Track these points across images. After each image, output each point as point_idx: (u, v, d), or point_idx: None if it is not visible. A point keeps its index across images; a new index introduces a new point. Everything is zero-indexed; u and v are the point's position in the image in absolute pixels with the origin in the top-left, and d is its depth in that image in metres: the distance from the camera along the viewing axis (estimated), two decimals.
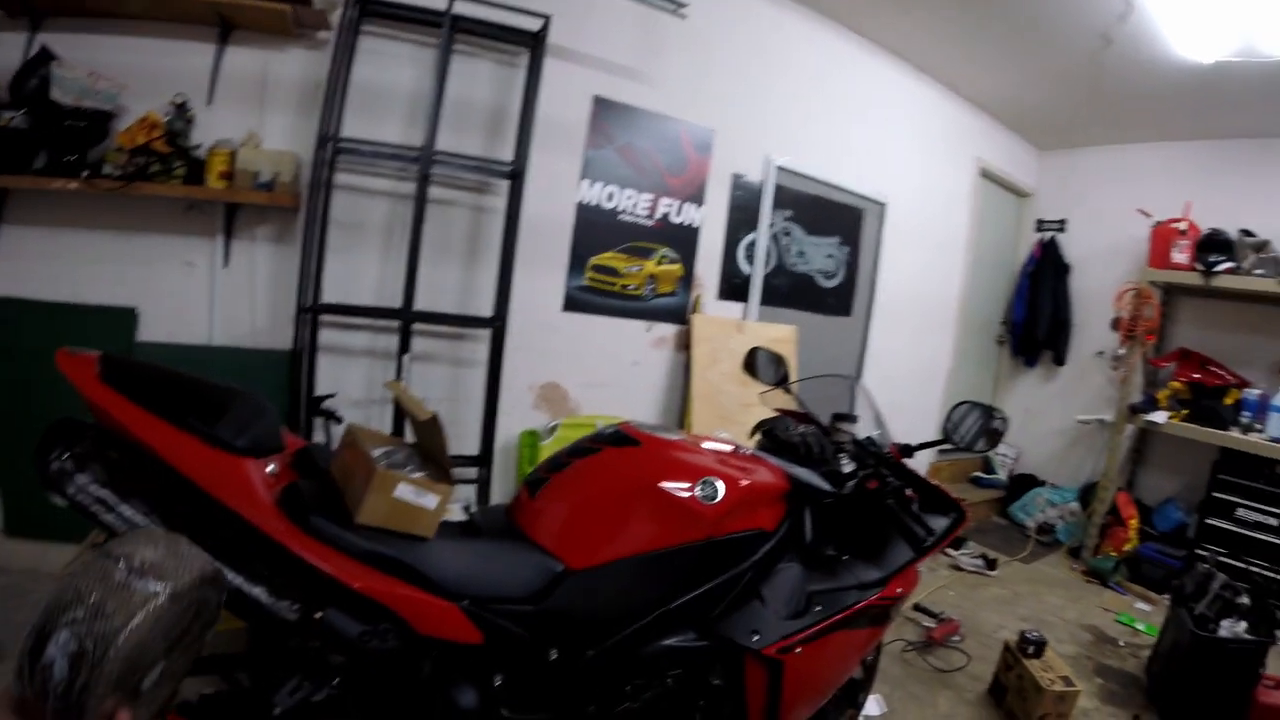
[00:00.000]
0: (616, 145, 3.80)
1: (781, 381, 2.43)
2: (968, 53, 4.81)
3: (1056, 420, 6.01)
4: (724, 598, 1.78)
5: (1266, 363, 4.90)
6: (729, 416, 3.91)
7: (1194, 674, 3.06)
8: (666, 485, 1.73)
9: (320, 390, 3.12)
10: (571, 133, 3.67)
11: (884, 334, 5.32)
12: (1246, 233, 4.68)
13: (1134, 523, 4.93)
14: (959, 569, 4.66)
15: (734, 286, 4.41)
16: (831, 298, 5.02)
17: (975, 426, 2.23)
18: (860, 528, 2.05)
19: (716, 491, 1.73)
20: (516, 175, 3.28)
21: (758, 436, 2.27)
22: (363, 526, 1.46)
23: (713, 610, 1.77)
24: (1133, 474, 5.53)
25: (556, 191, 3.67)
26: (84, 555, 1.45)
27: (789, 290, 4.73)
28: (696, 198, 4.11)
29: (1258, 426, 4.50)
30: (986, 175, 5.98)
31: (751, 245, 4.43)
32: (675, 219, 4.05)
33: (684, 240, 4.10)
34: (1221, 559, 4.31)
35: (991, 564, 4.74)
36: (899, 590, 2.05)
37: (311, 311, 3.07)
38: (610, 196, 3.82)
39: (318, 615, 1.40)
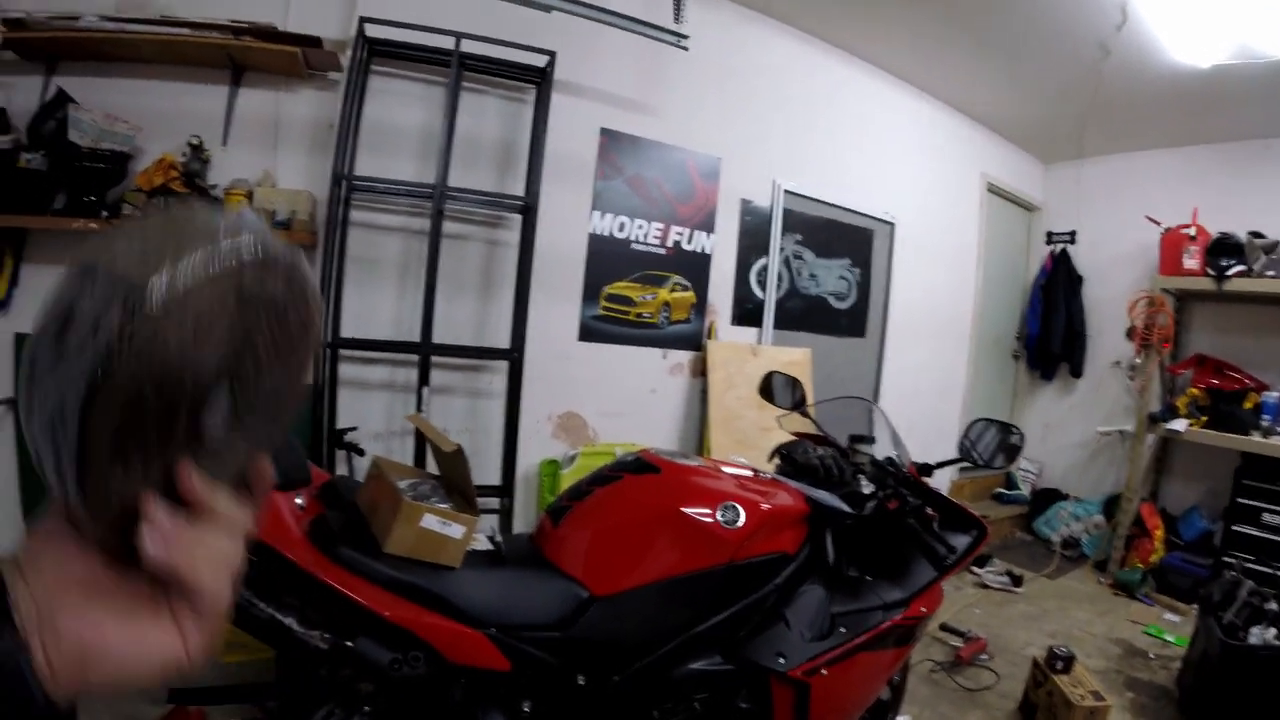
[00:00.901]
0: (625, 176, 3.85)
1: (798, 405, 2.45)
2: (968, 70, 4.85)
3: (1077, 433, 5.97)
4: (748, 621, 1.79)
5: None
6: (747, 441, 3.91)
7: (1225, 683, 3.00)
8: (688, 511, 1.75)
9: (342, 423, 3.16)
10: (581, 165, 3.73)
11: (899, 353, 5.33)
12: (1256, 234, 4.65)
13: (1159, 533, 4.88)
14: (985, 587, 4.62)
15: (747, 311, 4.44)
16: (845, 319, 5.04)
17: (993, 443, 2.24)
18: (882, 548, 2.06)
19: (738, 516, 1.75)
20: (528, 209, 3.33)
21: (776, 460, 2.28)
22: (390, 556, 1.50)
23: (738, 634, 1.78)
24: (1156, 483, 5.47)
25: (568, 223, 3.72)
26: None
27: (802, 313, 4.75)
28: (706, 225, 4.16)
29: (1278, 429, 4.45)
30: (994, 190, 6.00)
31: (763, 270, 4.46)
32: (686, 246, 4.09)
33: (696, 267, 4.14)
34: (1249, 565, 4.21)
35: (1017, 580, 4.69)
36: (923, 609, 2.04)
37: (330, 346, 3.12)
38: (621, 227, 3.87)
39: (349, 644, 1.43)
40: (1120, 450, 5.53)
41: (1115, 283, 5.63)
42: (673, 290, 4.05)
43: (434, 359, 3.29)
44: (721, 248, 4.25)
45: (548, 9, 3.16)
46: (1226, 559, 4.39)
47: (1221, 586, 3.34)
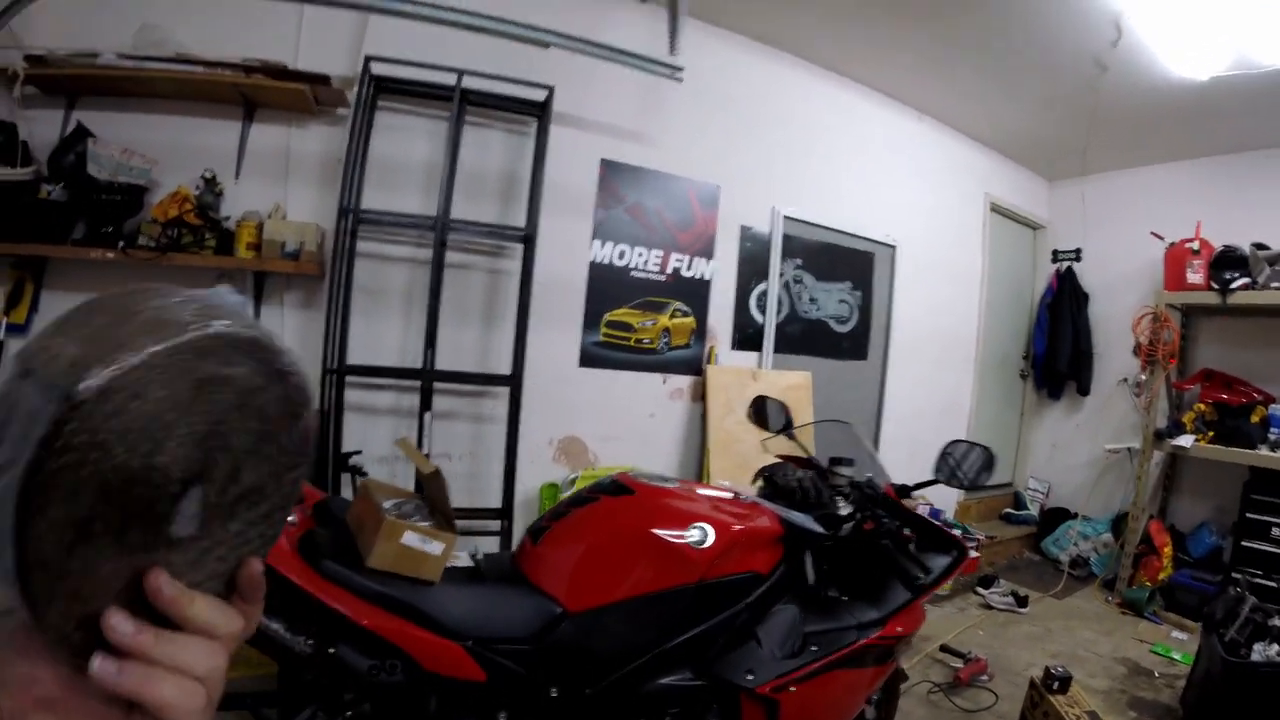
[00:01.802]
0: (625, 205, 3.95)
1: (785, 428, 2.50)
2: (967, 91, 4.90)
3: (1085, 451, 5.94)
4: (719, 638, 1.85)
5: None
6: (747, 464, 3.89)
7: (1228, 701, 2.99)
8: (659, 532, 1.82)
9: (348, 447, 3.24)
10: (581, 195, 3.83)
11: (902, 375, 5.36)
12: (1260, 246, 4.62)
13: (1168, 550, 4.82)
14: (990, 608, 4.61)
15: (747, 336, 4.50)
16: (846, 342, 5.09)
17: (966, 463, 2.28)
18: (861, 570, 2.10)
19: (707, 537, 1.82)
20: (529, 239, 3.43)
21: (759, 483, 2.34)
22: (373, 570, 1.60)
23: (708, 651, 1.84)
24: (1165, 501, 5.43)
25: (569, 252, 3.82)
26: None
27: (802, 337, 4.81)
28: (706, 251, 4.24)
29: None
30: (997, 210, 6.04)
31: (763, 295, 4.53)
32: (686, 273, 4.17)
33: (696, 293, 4.22)
34: (1257, 581, 4.16)
35: (1022, 601, 4.68)
36: (899, 630, 2.09)
37: (336, 373, 3.22)
38: (622, 254, 3.96)
39: (331, 650, 1.52)
40: (1129, 468, 5.47)
41: (1121, 299, 5.61)
42: (673, 316, 4.13)
43: (437, 385, 3.39)
44: (721, 274, 4.33)
45: (545, 45, 3.26)
46: (1235, 575, 4.33)
47: (1224, 603, 3.33)
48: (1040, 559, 5.79)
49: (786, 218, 4.57)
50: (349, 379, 3.31)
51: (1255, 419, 4.61)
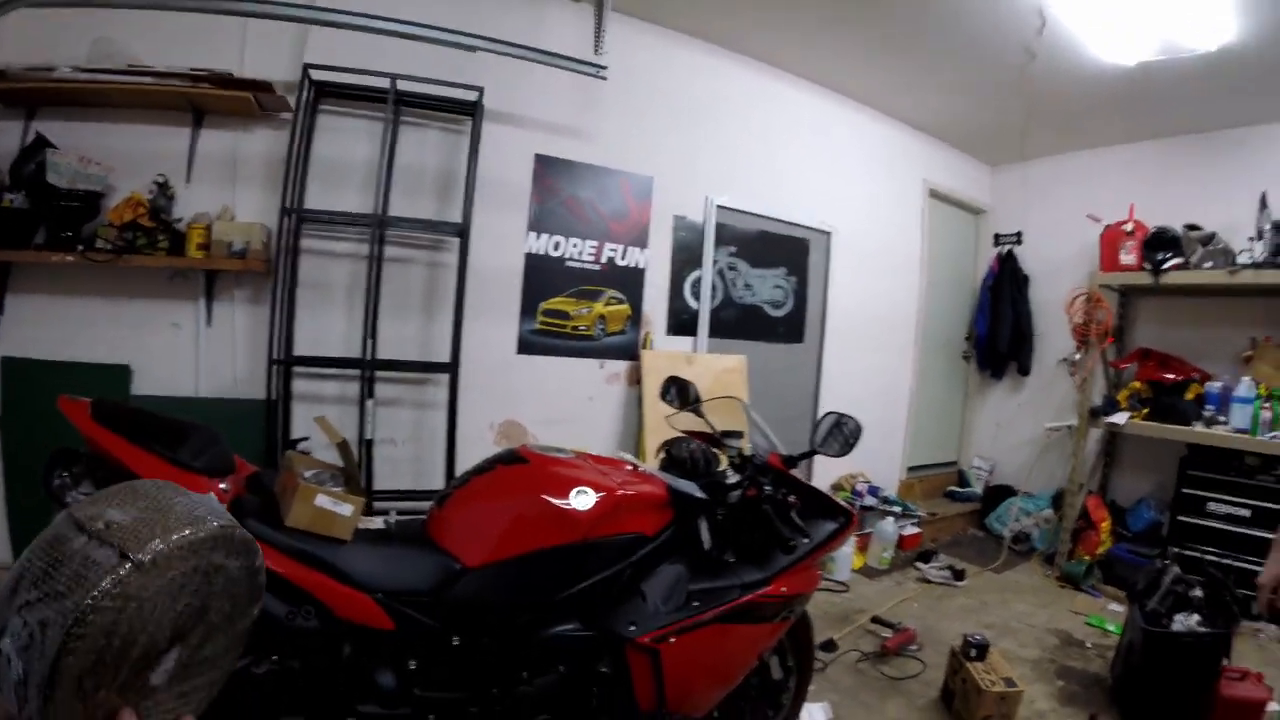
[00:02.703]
0: (560, 198, 4.12)
1: (692, 404, 2.68)
2: (901, 80, 4.99)
3: (1027, 430, 6.06)
4: (606, 593, 2.05)
5: (1228, 354, 4.89)
6: None
7: (1150, 671, 3.09)
8: (545, 496, 2.02)
9: (296, 434, 3.43)
10: (517, 189, 3.99)
11: (839, 358, 5.50)
12: (1192, 227, 4.73)
13: (1105, 525, 4.96)
14: (927, 581, 4.72)
15: (682, 322, 4.65)
16: (782, 326, 5.22)
17: (831, 433, 2.45)
18: (750, 534, 2.27)
19: (589, 500, 2.01)
20: (464, 233, 3.61)
21: (662, 455, 2.52)
22: (292, 530, 1.81)
23: (597, 604, 2.04)
24: (1105, 477, 5.57)
25: (506, 244, 3.98)
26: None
27: (737, 322, 4.95)
28: (640, 241, 4.41)
29: (1221, 419, 4.48)
30: (936, 196, 6.16)
31: (697, 282, 4.68)
32: (621, 262, 4.34)
33: (630, 281, 4.39)
34: (1193, 554, 4.24)
35: (959, 575, 4.79)
36: (783, 589, 2.24)
37: (283, 364, 3.41)
38: (557, 245, 4.13)
39: None
40: (1069, 446, 5.61)
41: (1061, 281, 5.69)
42: (608, 304, 4.29)
43: (380, 373, 3.58)
44: (655, 262, 4.48)
45: (472, 49, 3.44)
46: (1172, 549, 4.40)
47: (1147, 575, 3.42)
48: (984, 535, 5.94)
49: (720, 206, 4.70)
50: (296, 369, 3.49)
51: (1190, 396, 4.73)
